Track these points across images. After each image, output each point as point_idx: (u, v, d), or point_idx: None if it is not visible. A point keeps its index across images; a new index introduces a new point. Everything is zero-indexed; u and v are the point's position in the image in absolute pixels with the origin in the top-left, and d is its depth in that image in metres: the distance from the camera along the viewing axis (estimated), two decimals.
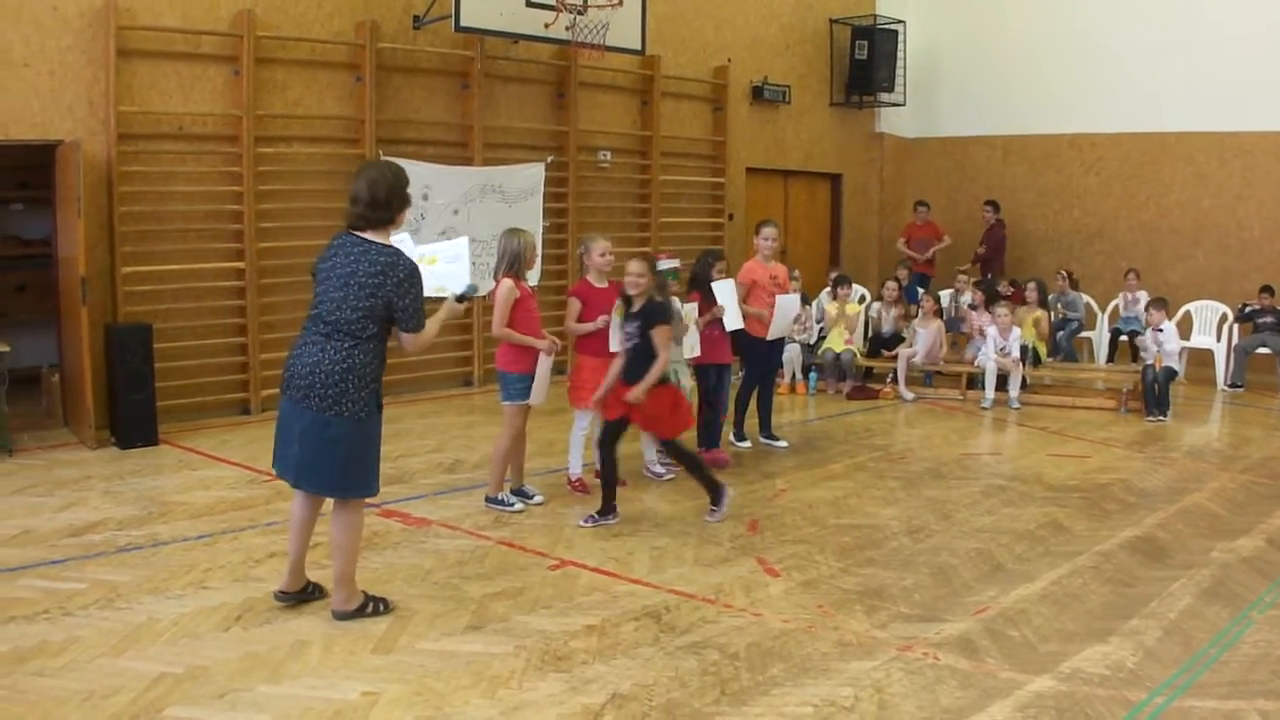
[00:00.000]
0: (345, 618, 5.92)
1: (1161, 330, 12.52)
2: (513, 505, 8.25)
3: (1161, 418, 12.16)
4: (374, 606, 6.02)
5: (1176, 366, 12.50)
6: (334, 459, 5.69)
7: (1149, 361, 12.44)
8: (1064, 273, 16.00)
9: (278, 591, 6.14)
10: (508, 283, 8.02)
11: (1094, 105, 17.18)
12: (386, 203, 5.72)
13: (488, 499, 8.28)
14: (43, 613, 6.02)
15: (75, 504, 8.21)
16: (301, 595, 6.14)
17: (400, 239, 6.03)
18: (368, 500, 6.13)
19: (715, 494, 8.01)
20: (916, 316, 13.75)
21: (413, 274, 5.68)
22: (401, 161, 11.88)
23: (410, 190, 5.89)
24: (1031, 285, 14.24)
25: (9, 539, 7.32)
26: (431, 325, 5.87)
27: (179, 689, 5.08)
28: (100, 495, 8.47)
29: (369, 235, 5.74)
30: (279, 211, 11.69)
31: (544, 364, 7.96)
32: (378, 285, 5.59)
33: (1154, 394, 12.23)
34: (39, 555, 7.00)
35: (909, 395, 13.21)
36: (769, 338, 10.23)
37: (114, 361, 10.04)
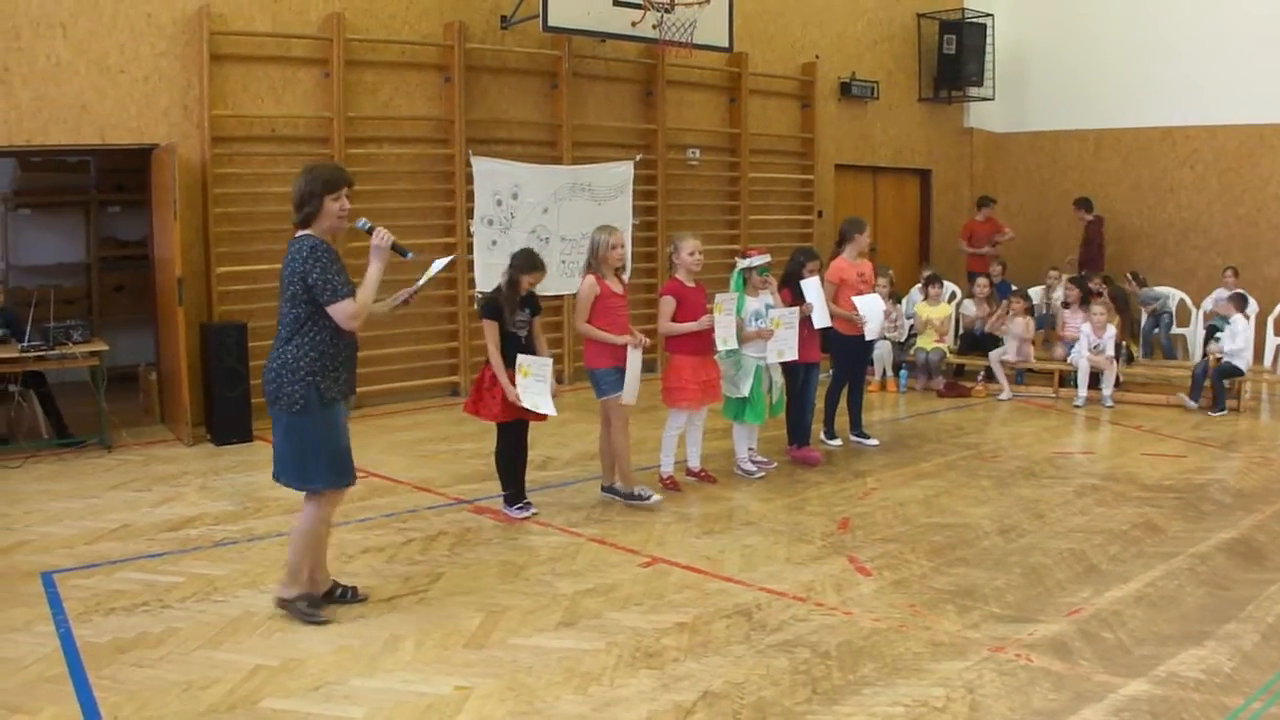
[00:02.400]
0: (279, 605, 5.98)
1: (1228, 324, 12.37)
2: (648, 497, 8.25)
3: (1191, 404, 12.24)
4: (301, 607, 5.93)
5: (1240, 364, 12.20)
6: (281, 451, 5.82)
7: (1214, 355, 12.32)
8: (1129, 275, 15.74)
9: None
10: (589, 279, 8.05)
11: (1188, 97, 16.84)
12: (300, 205, 5.74)
13: (625, 496, 8.30)
14: (141, 605, 6.13)
15: (172, 499, 8.35)
16: (328, 597, 6.12)
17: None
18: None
19: (511, 495, 8.00)
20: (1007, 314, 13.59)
21: (313, 249, 5.63)
22: (491, 161, 12.23)
23: (323, 191, 5.75)
24: (1104, 284, 14.01)
25: (108, 533, 7.47)
26: (361, 293, 5.77)
27: (274, 681, 5.16)
28: (197, 490, 8.61)
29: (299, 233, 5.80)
30: (369, 212, 11.67)
31: (634, 361, 7.96)
32: (291, 272, 5.65)
33: (1200, 385, 12.24)
34: (138, 549, 7.13)
35: (1007, 394, 13.09)
36: (868, 338, 10.20)
37: (209, 360, 10.20)
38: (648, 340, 8.15)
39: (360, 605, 6.14)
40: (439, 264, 6.52)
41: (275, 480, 5.93)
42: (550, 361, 7.60)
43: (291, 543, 5.99)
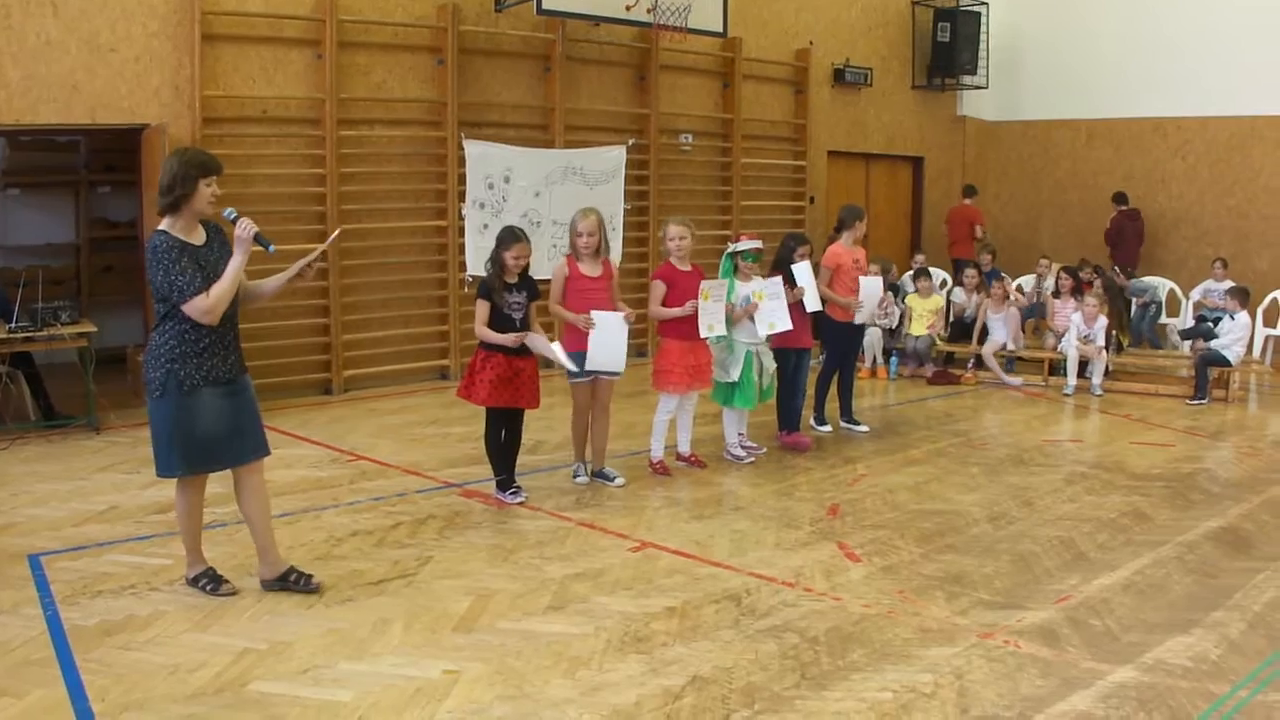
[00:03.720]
0: (187, 581, 6.13)
1: (1230, 317, 12.41)
2: (576, 476, 8.43)
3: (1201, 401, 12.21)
4: (205, 581, 6.06)
5: (1230, 356, 12.23)
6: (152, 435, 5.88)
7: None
8: (1116, 268, 15.77)
9: (261, 581, 6.20)
10: (561, 261, 8.08)
11: (1180, 88, 16.87)
12: (168, 188, 5.63)
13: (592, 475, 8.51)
14: (129, 588, 6.12)
15: (160, 482, 8.26)
16: (281, 581, 6.10)
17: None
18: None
19: (503, 480, 8.02)
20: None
21: (153, 250, 5.56)
22: (483, 144, 12.21)
23: (198, 174, 5.64)
24: (1096, 279, 14.01)
25: (96, 515, 7.45)
26: (217, 286, 5.63)
27: (262, 664, 5.14)
28: None
29: (161, 223, 5.71)
30: (361, 194, 11.80)
31: (615, 330, 7.89)
32: (147, 269, 5.65)
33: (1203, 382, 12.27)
34: (126, 531, 7.12)
35: (1016, 380, 13.13)
36: (857, 322, 10.21)
37: None
38: (632, 314, 8.08)
39: (349, 589, 6.12)
40: (331, 237, 6.51)
41: None
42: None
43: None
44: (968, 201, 17.78)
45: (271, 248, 5.80)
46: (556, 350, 7.60)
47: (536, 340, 7.65)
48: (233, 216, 5.80)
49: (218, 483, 8.19)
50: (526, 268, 7.67)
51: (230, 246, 5.75)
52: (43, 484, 8.20)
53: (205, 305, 5.58)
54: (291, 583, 6.07)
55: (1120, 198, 16.84)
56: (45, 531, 7.08)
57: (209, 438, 5.79)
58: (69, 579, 6.22)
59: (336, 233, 6.85)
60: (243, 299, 6.01)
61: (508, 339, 7.45)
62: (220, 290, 5.63)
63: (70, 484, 8.21)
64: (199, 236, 5.75)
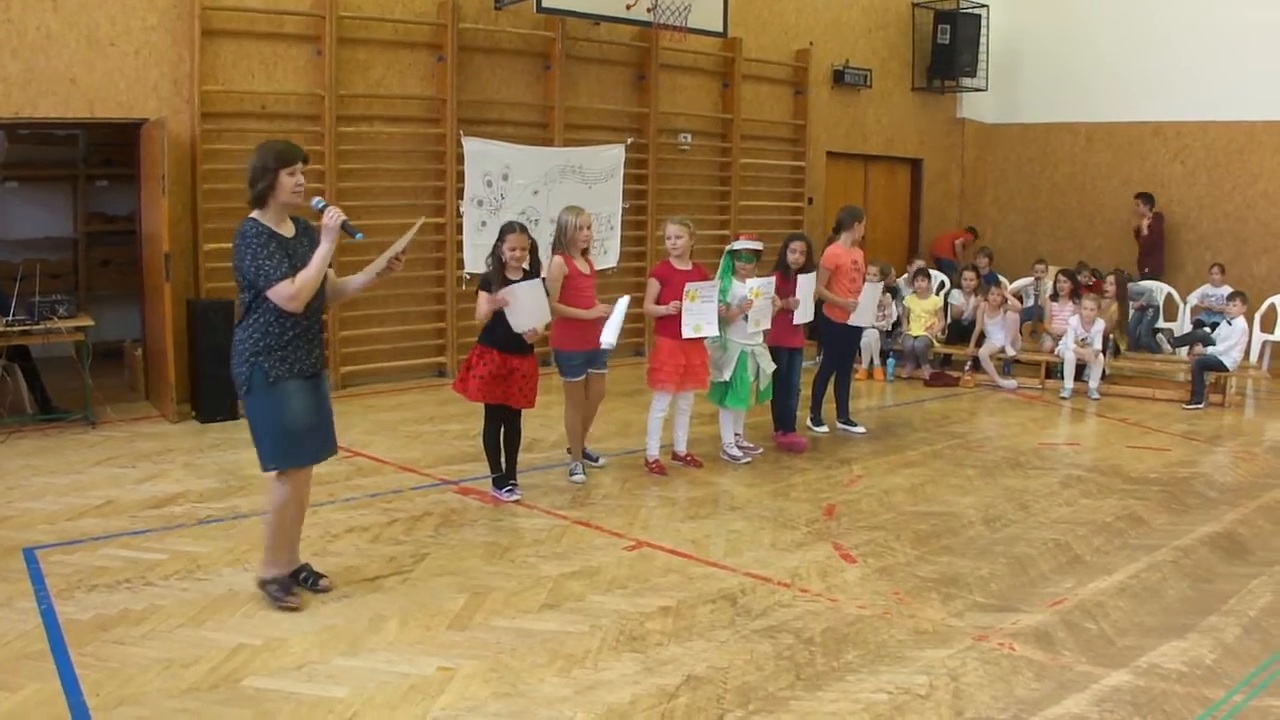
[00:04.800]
0: (259, 584, 5.96)
1: (1229, 323, 12.42)
2: (574, 474, 8.44)
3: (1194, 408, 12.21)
4: (274, 590, 5.87)
5: (1228, 361, 12.23)
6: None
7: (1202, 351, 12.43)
8: (1147, 271, 15.82)
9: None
10: (556, 259, 8.09)
11: (1180, 92, 16.85)
12: (253, 181, 5.66)
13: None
14: (124, 582, 6.11)
15: (156, 476, 8.32)
16: (293, 578, 6.04)
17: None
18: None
19: (500, 477, 8.02)
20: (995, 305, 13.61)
21: (242, 235, 5.59)
22: (482, 141, 12.21)
23: (276, 165, 5.66)
24: (1111, 277, 14.01)
25: (92, 509, 7.44)
26: (305, 272, 5.61)
27: (257, 660, 5.14)
28: (181, 468, 8.59)
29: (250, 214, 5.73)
30: (360, 190, 11.78)
31: (520, 298, 7.61)
32: (233, 257, 5.64)
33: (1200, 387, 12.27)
34: (121, 526, 7.11)
35: (1011, 384, 13.14)
36: (852, 322, 10.21)
37: (196, 336, 10.16)
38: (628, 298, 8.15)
39: (344, 585, 6.12)
40: (415, 227, 6.42)
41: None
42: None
43: (264, 524, 5.98)
44: (966, 238, 18.12)
45: (359, 235, 5.78)
46: (525, 296, 7.49)
47: (520, 293, 7.53)
48: (320, 205, 5.83)
49: (214, 478, 8.24)
50: (535, 263, 7.68)
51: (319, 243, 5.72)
52: (38, 477, 8.20)
53: (290, 291, 5.52)
54: (301, 580, 6.06)
55: (1150, 199, 16.82)
56: (41, 525, 7.07)
57: (298, 430, 5.73)
58: (64, 573, 6.21)
59: (419, 222, 6.76)
60: (330, 296, 6.02)
61: (485, 302, 7.51)
62: (306, 276, 5.59)
63: (66, 478, 8.21)
64: (288, 229, 5.74)
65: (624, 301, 8.08)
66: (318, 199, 5.99)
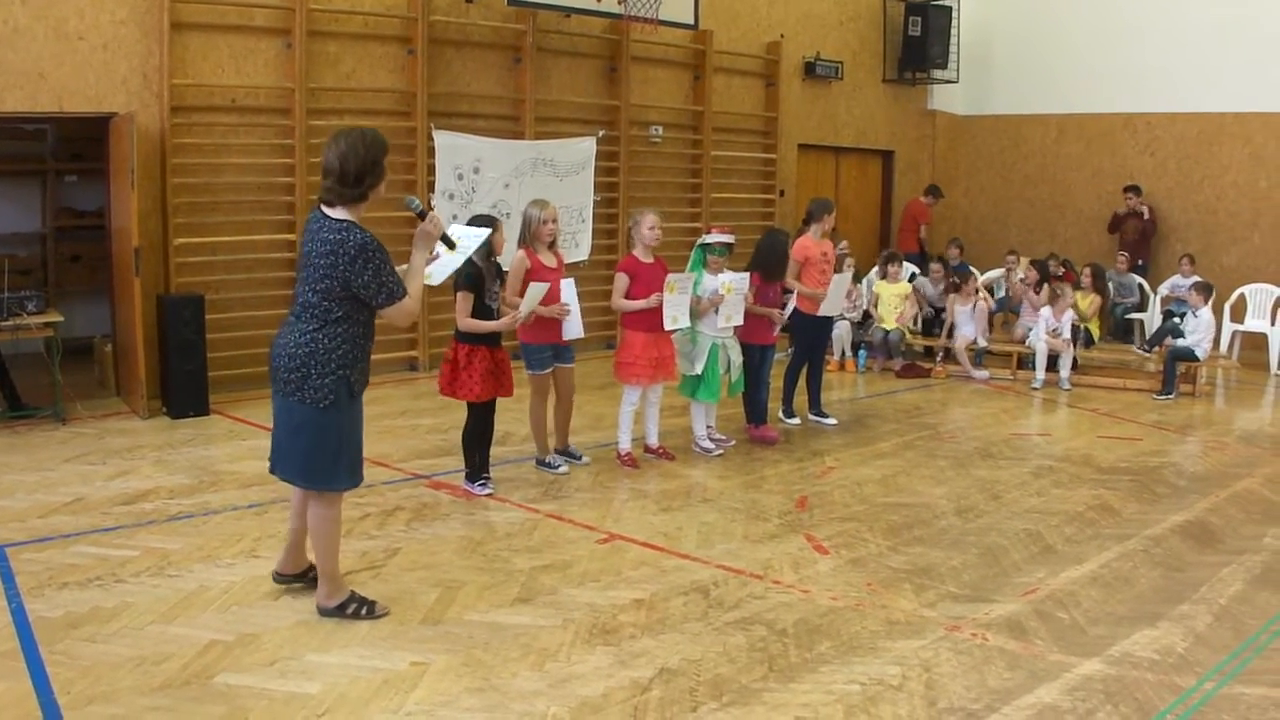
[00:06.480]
0: (326, 614, 5.62)
1: (1194, 314, 12.46)
2: (558, 466, 8.44)
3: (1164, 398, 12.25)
4: (358, 608, 5.64)
5: (1199, 352, 12.29)
6: (298, 447, 5.37)
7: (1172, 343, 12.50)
8: (1124, 254, 15.88)
9: (275, 573, 5.98)
10: (519, 253, 8.07)
11: (1150, 84, 16.93)
12: (358, 178, 5.30)
13: (537, 462, 8.53)
14: (95, 579, 6.07)
15: (127, 472, 8.28)
16: (300, 578, 5.94)
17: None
18: (345, 493, 5.68)
19: (473, 471, 8.04)
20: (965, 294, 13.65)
21: (363, 248, 5.19)
22: (453, 135, 12.17)
23: (385, 160, 5.41)
24: (1088, 270, 14.04)
25: (62, 506, 7.39)
26: (412, 286, 5.44)
27: (229, 656, 5.13)
28: (152, 464, 8.54)
29: (332, 211, 5.32)
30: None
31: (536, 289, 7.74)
32: (330, 266, 5.19)
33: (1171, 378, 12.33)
34: (91, 522, 7.07)
35: (983, 374, 13.19)
36: (820, 313, 10.22)
37: (166, 332, 10.10)
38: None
39: (316, 581, 6.10)
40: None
41: (272, 472, 5.64)
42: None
43: (314, 550, 5.68)
44: (924, 199, 17.93)
45: (455, 247, 5.74)
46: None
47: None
48: (419, 209, 5.59)
49: (185, 474, 8.20)
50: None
51: None
52: (8, 475, 8.13)
53: (413, 307, 5.38)
54: (310, 580, 5.94)
55: (1138, 190, 16.86)
56: (10, 523, 7.02)
57: (360, 445, 5.55)
58: (34, 570, 6.17)
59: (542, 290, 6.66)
60: None
61: (499, 325, 7.55)
62: (417, 289, 5.45)
63: (36, 475, 8.15)
64: None
65: (569, 284, 8.11)
66: (414, 199, 5.74)
